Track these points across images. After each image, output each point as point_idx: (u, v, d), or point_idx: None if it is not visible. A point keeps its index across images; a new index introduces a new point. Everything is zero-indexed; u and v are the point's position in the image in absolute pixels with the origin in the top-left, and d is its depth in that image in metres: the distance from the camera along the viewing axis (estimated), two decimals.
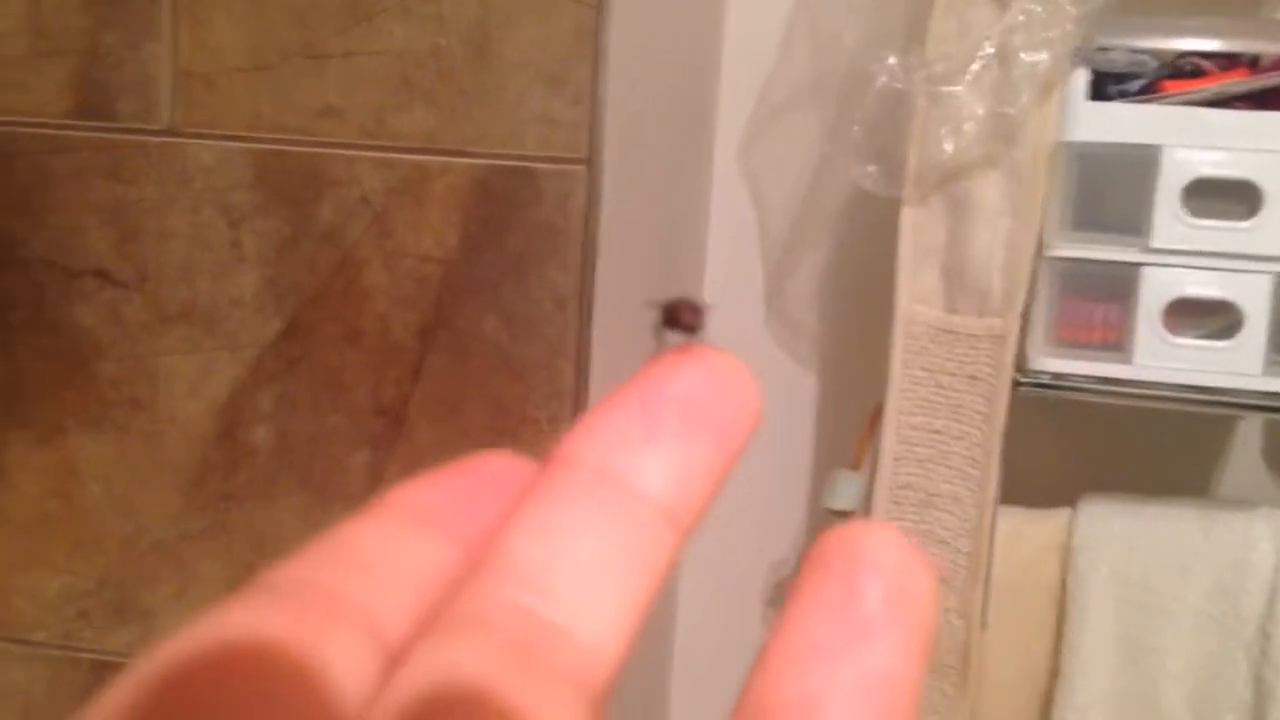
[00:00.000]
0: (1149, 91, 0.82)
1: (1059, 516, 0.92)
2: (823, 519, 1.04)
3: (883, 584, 0.16)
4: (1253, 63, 0.84)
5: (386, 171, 0.74)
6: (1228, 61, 0.84)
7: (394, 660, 0.15)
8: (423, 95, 0.73)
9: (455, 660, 0.14)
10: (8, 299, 0.80)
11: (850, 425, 1.00)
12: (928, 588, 0.16)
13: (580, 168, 0.72)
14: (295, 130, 0.74)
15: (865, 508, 0.93)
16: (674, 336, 0.19)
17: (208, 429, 0.78)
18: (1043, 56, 0.77)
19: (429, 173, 0.73)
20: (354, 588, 0.16)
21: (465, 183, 0.73)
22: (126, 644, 0.82)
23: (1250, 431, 1.05)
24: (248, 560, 0.79)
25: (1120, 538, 0.91)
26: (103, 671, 0.83)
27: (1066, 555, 0.92)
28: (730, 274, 1.13)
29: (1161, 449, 1.05)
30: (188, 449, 0.79)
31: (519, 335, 0.74)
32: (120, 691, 0.14)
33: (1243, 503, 0.92)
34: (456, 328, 0.75)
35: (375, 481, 0.77)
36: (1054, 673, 0.93)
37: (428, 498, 0.17)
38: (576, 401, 0.74)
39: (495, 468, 0.18)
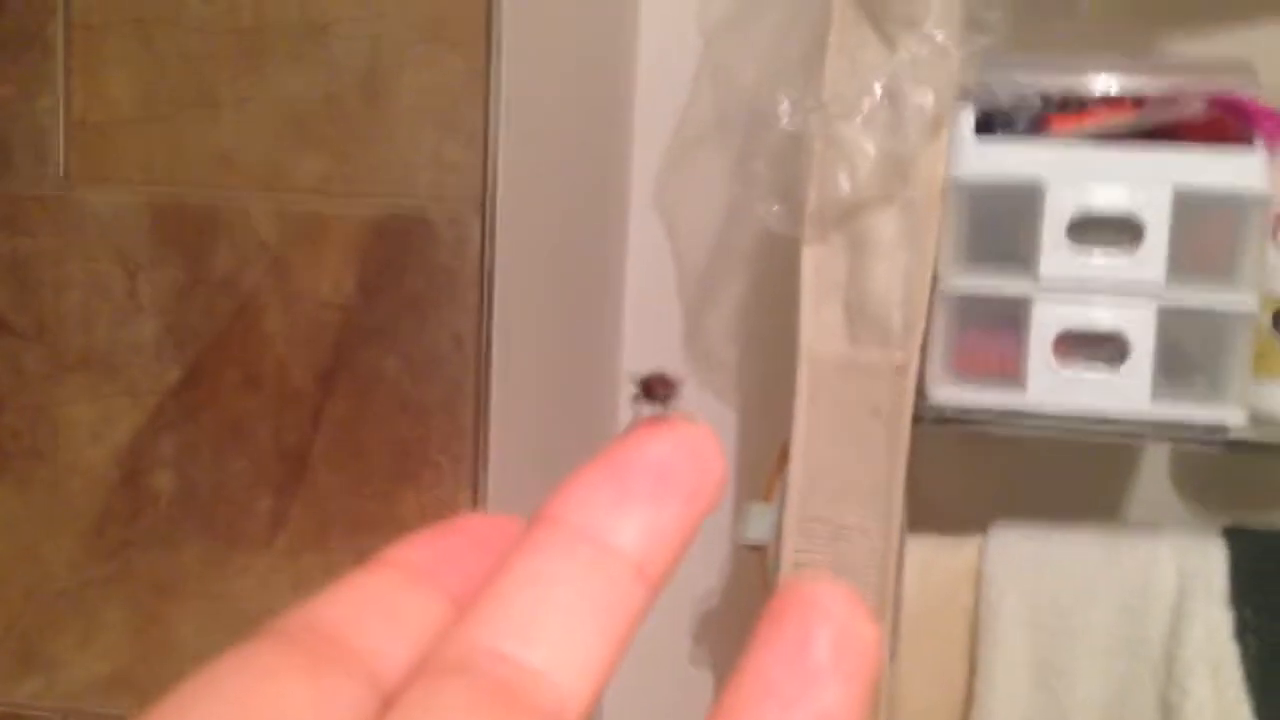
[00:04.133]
0: (1038, 129, 0.84)
1: (971, 544, 0.93)
2: (743, 552, 1.05)
3: (832, 634, 0.17)
4: (1138, 101, 0.86)
5: (282, 217, 0.74)
6: (1115, 100, 0.86)
7: (388, 703, 0.17)
8: (316, 140, 0.73)
9: (440, 701, 0.16)
10: None
11: (768, 459, 1.01)
12: (872, 638, 0.18)
13: (474, 210, 0.73)
14: (190, 178, 0.75)
15: (777, 540, 0.94)
16: (648, 408, 0.22)
17: (110, 476, 0.78)
18: (929, 96, 0.79)
19: (324, 217, 0.74)
20: (355, 636, 0.18)
21: (361, 226, 0.74)
22: (32, 694, 0.82)
23: (1156, 456, 1.07)
24: (151, 607, 0.78)
25: (1029, 563, 0.92)
26: None
27: (979, 582, 0.93)
28: (649, 311, 1.14)
29: (1073, 475, 1.07)
30: (90, 497, 0.79)
31: (419, 377, 0.75)
32: None
33: (1146, 525, 0.93)
34: (356, 371, 0.75)
35: (278, 526, 0.77)
36: (970, 698, 0.94)
37: (421, 555, 0.20)
38: (477, 442, 0.75)
39: (483, 527, 0.20)
